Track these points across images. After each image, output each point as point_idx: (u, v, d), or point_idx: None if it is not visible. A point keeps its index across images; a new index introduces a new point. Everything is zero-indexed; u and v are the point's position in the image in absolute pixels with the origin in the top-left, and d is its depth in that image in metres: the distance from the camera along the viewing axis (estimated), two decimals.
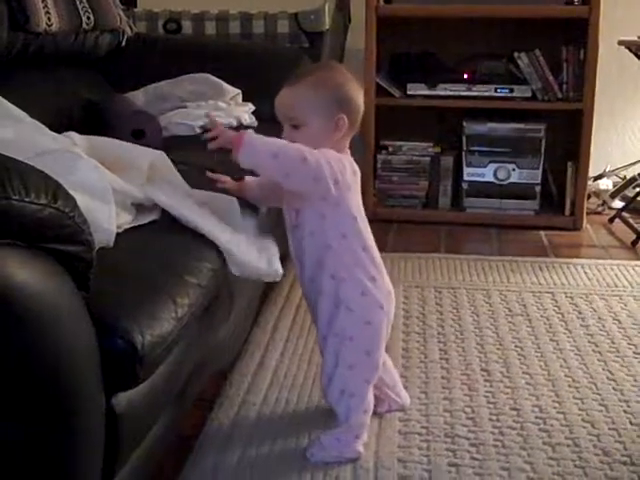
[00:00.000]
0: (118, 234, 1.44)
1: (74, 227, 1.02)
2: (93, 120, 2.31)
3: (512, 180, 3.27)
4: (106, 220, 1.33)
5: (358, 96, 1.61)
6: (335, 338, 1.64)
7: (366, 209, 1.68)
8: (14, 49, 2.25)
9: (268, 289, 2.40)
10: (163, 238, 1.51)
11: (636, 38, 3.04)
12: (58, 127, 2.24)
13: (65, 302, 1.04)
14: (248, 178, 1.78)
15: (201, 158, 2.05)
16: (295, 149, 1.51)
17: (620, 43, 3.10)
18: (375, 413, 1.71)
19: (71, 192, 1.05)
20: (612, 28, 3.13)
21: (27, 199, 0.94)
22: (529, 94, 3.20)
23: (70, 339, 1.04)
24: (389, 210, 3.32)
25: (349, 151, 1.65)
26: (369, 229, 1.66)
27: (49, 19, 2.33)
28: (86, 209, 1.09)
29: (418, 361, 2.07)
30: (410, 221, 3.30)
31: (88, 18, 2.51)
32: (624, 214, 3.30)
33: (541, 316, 2.36)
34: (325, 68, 1.67)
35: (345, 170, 1.57)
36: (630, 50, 3.09)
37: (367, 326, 1.62)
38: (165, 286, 1.31)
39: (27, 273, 0.97)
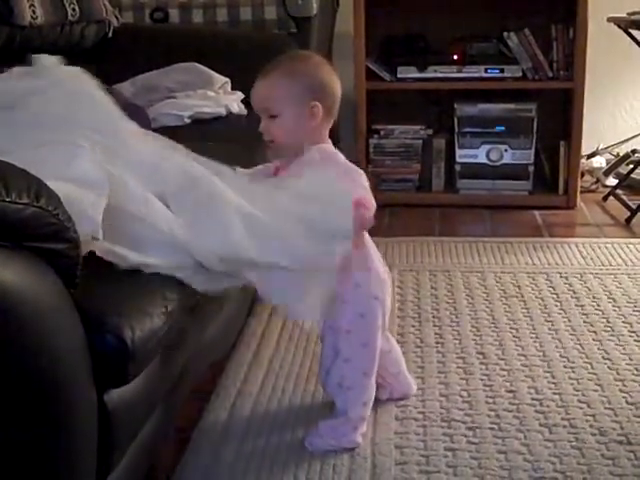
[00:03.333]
0: None
1: (58, 225, 1.01)
2: None
3: (505, 161, 3.27)
4: (90, 207, 1.23)
5: (332, 82, 1.60)
6: (330, 330, 1.65)
7: None
8: None
9: None
10: None
11: (625, 15, 3.03)
12: None
13: (52, 300, 1.03)
14: (239, 171, 1.77)
15: (190, 148, 2.05)
16: None
17: (609, 20, 3.08)
18: (375, 400, 1.71)
19: (61, 183, 1.04)
20: (601, 5, 3.11)
21: (8, 199, 0.93)
22: (519, 74, 3.19)
23: (59, 337, 1.03)
24: (382, 194, 3.30)
25: (330, 140, 1.63)
26: None
27: (34, 12, 2.32)
28: (71, 197, 1.08)
29: (414, 346, 2.07)
30: (404, 204, 3.30)
31: (73, 10, 2.49)
32: (618, 191, 3.30)
33: (536, 297, 2.36)
34: (297, 57, 1.66)
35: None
36: (620, 27, 3.07)
37: (361, 319, 1.62)
38: (154, 280, 1.30)
39: (12, 273, 0.96)
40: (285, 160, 1.61)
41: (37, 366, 0.99)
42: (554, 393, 1.83)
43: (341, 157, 1.60)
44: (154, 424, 1.35)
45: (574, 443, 1.64)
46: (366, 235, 1.68)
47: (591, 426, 1.70)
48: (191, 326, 1.44)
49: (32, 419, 1.01)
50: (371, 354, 1.64)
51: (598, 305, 2.29)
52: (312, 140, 1.58)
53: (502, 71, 3.20)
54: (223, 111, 2.40)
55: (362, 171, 1.58)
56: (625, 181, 3.32)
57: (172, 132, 2.24)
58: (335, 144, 1.65)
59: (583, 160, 3.41)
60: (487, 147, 3.27)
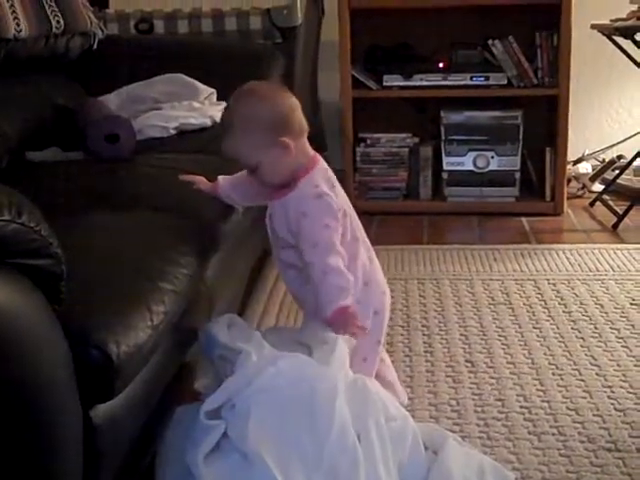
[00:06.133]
0: (91, 238, 1.44)
1: (41, 241, 1.01)
2: (66, 126, 2.28)
3: (491, 168, 3.27)
4: None
5: (287, 106, 1.57)
6: None
7: None
8: None
9: (250, 288, 2.39)
10: (137, 244, 1.49)
11: (609, 22, 3.04)
12: (31, 133, 2.23)
13: (35, 316, 1.02)
14: (221, 178, 1.77)
15: (175, 160, 2.05)
16: (328, 285, 1.53)
17: (593, 27, 3.09)
18: None
19: None
20: (585, 12, 3.13)
21: None
22: (505, 81, 3.20)
23: (42, 353, 1.03)
24: (370, 203, 3.31)
25: (310, 149, 1.64)
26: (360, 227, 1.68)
27: (18, 24, 2.30)
28: None
29: (402, 355, 2.07)
30: (391, 213, 3.30)
31: (58, 22, 2.48)
32: (604, 197, 3.31)
33: (524, 304, 2.36)
34: (241, 103, 1.58)
35: (337, 216, 1.57)
36: (603, 34, 3.09)
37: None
38: (139, 293, 1.30)
39: None
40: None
41: (20, 382, 0.99)
42: (543, 401, 1.83)
43: (311, 188, 1.59)
44: (139, 439, 1.35)
45: (563, 451, 1.64)
46: (367, 242, 1.69)
47: (579, 433, 1.70)
48: (177, 339, 1.43)
49: (16, 435, 1.00)
50: (370, 369, 1.65)
51: (586, 311, 2.29)
52: (297, 163, 1.58)
53: (487, 79, 3.21)
54: (209, 122, 2.39)
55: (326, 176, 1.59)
56: (611, 187, 3.34)
57: (157, 144, 2.26)
58: (321, 152, 1.66)
59: (569, 166, 3.42)
60: (474, 154, 3.28)
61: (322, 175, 1.61)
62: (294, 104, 1.59)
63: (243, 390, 1.37)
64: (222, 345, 1.48)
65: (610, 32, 3.05)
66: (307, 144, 1.63)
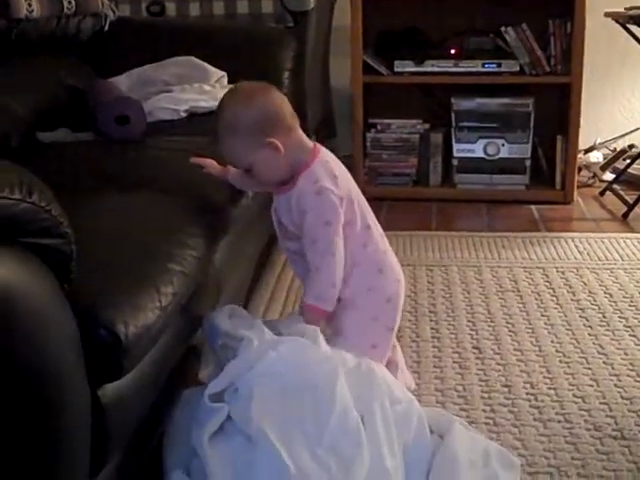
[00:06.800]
0: (100, 219, 1.44)
1: (51, 220, 1.01)
2: (76, 107, 2.29)
3: (502, 155, 3.26)
4: None
5: (271, 105, 1.57)
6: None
7: None
8: None
9: (257, 274, 2.40)
10: (146, 225, 1.50)
11: (623, 10, 3.02)
12: (42, 114, 2.23)
13: (45, 295, 1.03)
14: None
15: (185, 143, 2.05)
16: (324, 272, 1.57)
17: (607, 15, 3.07)
18: None
19: None
20: (598, 0, 3.10)
21: (0, 194, 0.92)
22: (517, 69, 3.18)
23: (51, 332, 1.03)
24: (379, 188, 3.31)
25: (304, 135, 1.64)
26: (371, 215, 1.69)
27: (30, 5, 2.30)
28: None
29: (409, 340, 2.07)
30: (401, 199, 3.29)
31: (69, 3, 2.48)
32: (615, 186, 3.30)
33: (532, 291, 2.36)
34: (226, 108, 1.58)
35: (339, 210, 1.58)
36: (617, 22, 3.07)
37: (373, 322, 1.66)
38: (148, 275, 1.31)
39: (5, 268, 0.95)
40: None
41: (29, 361, 0.99)
42: (549, 388, 1.83)
43: (311, 185, 1.59)
44: (149, 417, 1.35)
45: (568, 438, 1.64)
46: (380, 230, 1.69)
47: (586, 421, 1.70)
48: (185, 321, 1.44)
49: (24, 414, 1.00)
50: (380, 355, 1.65)
51: (594, 300, 2.29)
52: (294, 156, 1.59)
53: (499, 66, 3.19)
54: None
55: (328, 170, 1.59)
56: (622, 176, 3.32)
57: (168, 126, 2.26)
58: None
59: (580, 155, 3.40)
60: (484, 141, 3.26)
61: (323, 168, 1.60)
62: (278, 101, 1.59)
63: (245, 374, 1.39)
64: (224, 333, 1.50)
65: (624, 20, 3.03)
66: (304, 137, 1.63)
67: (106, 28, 2.70)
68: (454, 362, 1.96)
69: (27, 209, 0.97)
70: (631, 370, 1.90)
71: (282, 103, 1.59)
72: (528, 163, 3.25)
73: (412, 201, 3.28)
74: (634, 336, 2.07)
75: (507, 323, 2.16)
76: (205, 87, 2.45)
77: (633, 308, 2.23)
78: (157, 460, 1.40)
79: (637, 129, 3.52)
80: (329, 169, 1.60)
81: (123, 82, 2.48)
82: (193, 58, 2.57)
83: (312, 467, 1.29)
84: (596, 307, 2.24)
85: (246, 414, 1.33)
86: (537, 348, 2.01)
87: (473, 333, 2.10)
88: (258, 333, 1.47)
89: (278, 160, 1.57)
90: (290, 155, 1.58)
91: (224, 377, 1.40)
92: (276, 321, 1.66)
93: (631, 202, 3.06)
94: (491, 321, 2.17)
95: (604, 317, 2.18)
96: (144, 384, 1.26)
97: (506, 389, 1.83)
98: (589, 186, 3.44)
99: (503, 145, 3.25)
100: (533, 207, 3.20)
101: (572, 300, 2.29)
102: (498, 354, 1.99)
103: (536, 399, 1.78)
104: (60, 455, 1.07)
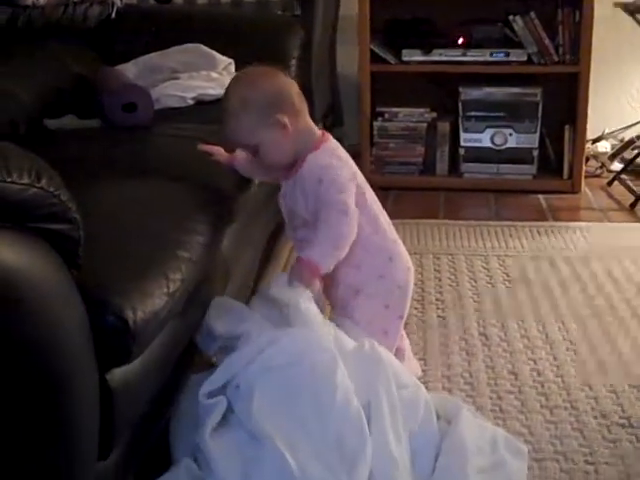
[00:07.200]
0: (108, 206, 1.45)
1: (60, 206, 1.01)
2: (84, 94, 2.28)
3: (509, 145, 3.25)
4: None
5: (280, 85, 1.59)
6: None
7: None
8: (2, 23, 2.23)
9: (264, 261, 2.40)
10: (153, 212, 1.50)
11: None
12: (48, 101, 2.23)
13: (54, 280, 1.03)
14: (239, 151, 1.77)
15: (193, 130, 2.05)
16: (334, 227, 1.55)
17: (616, 5, 3.06)
18: None
19: None
20: None
21: (9, 179, 0.93)
22: (525, 58, 3.17)
23: (60, 317, 1.04)
24: (386, 177, 3.30)
25: (311, 122, 1.64)
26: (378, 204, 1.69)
27: None
28: None
29: (416, 327, 2.08)
30: (408, 188, 3.28)
31: None
32: (623, 176, 3.29)
33: (539, 280, 2.36)
34: (235, 87, 1.61)
35: (349, 181, 1.59)
36: (626, 11, 3.05)
37: (385, 310, 1.67)
38: (156, 261, 1.31)
39: (14, 253, 0.96)
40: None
41: (38, 346, 1.00)
42: (556, 375, 1.83)
43: (325, 160, 1.60)
44: (157, 401, 1.36)
45: (575, 425, 1.64)
46: (387, 219, 1.69)
47: (592, 408, 1.70)
48: (193, 307, 1.44)
49: (33, 398, 1.01)
50: (390, 342, 1.66)
51: (601, 289, 2.29)
52: (301, 140, 1.59)
53: (507, 55, 3.17)
54: None
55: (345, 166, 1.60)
56: (630, 166, 3.31)
57: (175, 113, 2.26)
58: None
59: (588, 145, 3.39)
60: (491, 131, 3.25)
61: (331, 151, 1.62)
62: (288, 84, 1.61)
63: (245, 369, 1.38)
64: (220, 337, 1.49)
65: (633, 10, 3.01)
66: (312, 124, 1.64)
67: (113, 15, 2.70)
68: (461, 349, 1.96)
69: (36, 194, 0.97)
70: (638, 358, 1.90)
71: (292, 85, 1.62)
72: (536, 153, 3.24)
73: (419, 190, 3.27)
74: None
75: (514, 311, 2.16)
76: (212, 74, 2.44)
77: None
78: (165, 444, 1.41)
79: None
80: (338, 155, 1.62)
81: (130, 70, 2.48)
82: (200, 45, 2.56)
83: (316, 467, 1.29)
84: (603, 296, 2.24)
85: (249, 414, 1.34)
86: (544, 335, 2.02)
87: (480, 321, 2.10)
88: (254, 324, 1.47)
89: (285, 139, 1.57)
90: (297, 138, 1.59)
91: (221, 373, 1.40)
92: (265, 291, 1.62)
93: (639, 192, 3.05)
94: (498, 309, 2.17)
95: (611, 306, 2.18)
96: (152, 369, 1.26)
97: (513, 376, 1.83)
98: (597, 176, 3.43)
99: (511, 135, 3.24)
100: (540, 197, 3.19)
101: (579, 289, 2.29)
102: (505, 341, 1.99)
103: (543, 386, 1.79)
104: (69, 439, 1.07)
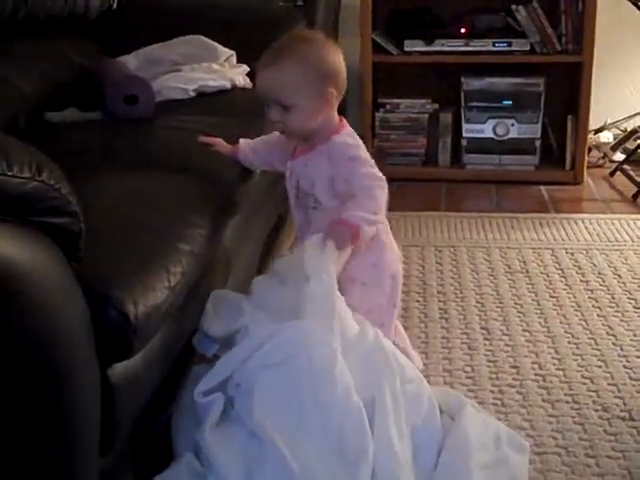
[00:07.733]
0: (108, 199, 1.44)
1: (60, 199, 1.01)
2: (85, 86, 2.28)
3: (511, 135, 3.24)
4: None
5: (341, 63, 1.59)
6: None
7: None
8: (3, 15, 2.21)
9: (265, 254, 2.39)
10: (154, 205, 1.49)
11: None
12: (49, 94, 2.23)
13: (54, 274, 1.03)
14: (242, 141, 1.77)
15: (194, 122, 2.04)
16: (373, 195, 1.56)
17: None
18: None
19: None
20: None
21: (10, 173, 0.92)
22: (527, 48, 3.16)
23: (61, 311, 1.03)
24: (388, 168, 3.25)
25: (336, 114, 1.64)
26: None
27: None
28: None
29: (418, 321, 2.08)
30: (409, 179, 3.27)
31: None
32: (625, 167, 3.28)
33: (541, 272, 2.36)
34: (304, 40, 1.60)
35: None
36: (629, 0, 3.04)
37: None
38: (157, 254, 1.30)
39: (14, 247, 0.96)
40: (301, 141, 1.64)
41: (39, 340, 1.00)
42: (558, 369, 1.83)
43: (352, 140, 1.62)
44: (158, 396, 1.36)
45: (577, 419, 1.64)
46: None
47: (594, 402, 1.70)
48: (195, 301, 1.44)
49: (34, 393, 1.01)
50: (386, 333, 1.65)
51: (603, 281, 2.28)
52: (325, 123, 1.58)
53: (510, 45, 3.16)
54: (228, 84, 2.38)
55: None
56: (632, 156, 3.30)
57: (177, 105, 2.25)
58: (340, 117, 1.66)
59: (590, 135, 3.38)
60: (494, 121, 3.24)
61: (353, 135, 1.64)
62: (345, 71, 1.61)
63: (243, 366, 1.38)
64: (217, 339, 1.48)
65: None
66: (336, 109, 1.64)
67: (114, 7, 2.69)
68: (462, 343, 1.96)
69: (36, 188, 0.97)
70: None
71: (345, 72, 1.62)
72: (538, 143, 3.23)
73: (421, 181, 3.27)
74: None
75: (516, 304, 2.16)
76: (214, 66, 2.43)
77: None
78: (167, 438, 1.41)
79: None
80: (356, 137, 1.64)
81: (131, 61, 2.47)
82: (202, 37, 2.55)
83: (319, 469, 1.29)
84: (605, 288, 2.24)
85: (250, 413, 1.34)
86: (546, 329, 2.01)
87: (482, 314, 2.10)
88: (250, 316, 1.47)
89: (321, 112, 1.57)
90: (327, 117, 1.59)
91: (218, 371, 1.39)
92: (283, 263, 1.61)
93: None
94: (500, 302, 2.17)
95: (613, 298, 2.18)
96: (153, 363, 1.26)
97: (514, 370, 1.83)
98: (599, 167, 3.42)
99: (513, 125, 3.23)
100: (542, 188, 3.18)
101: (581, 281, 2.29)
102: (507, 335, 1.99)
103: (544, 380, 1.78)
104: (70, 434, 1.07)
